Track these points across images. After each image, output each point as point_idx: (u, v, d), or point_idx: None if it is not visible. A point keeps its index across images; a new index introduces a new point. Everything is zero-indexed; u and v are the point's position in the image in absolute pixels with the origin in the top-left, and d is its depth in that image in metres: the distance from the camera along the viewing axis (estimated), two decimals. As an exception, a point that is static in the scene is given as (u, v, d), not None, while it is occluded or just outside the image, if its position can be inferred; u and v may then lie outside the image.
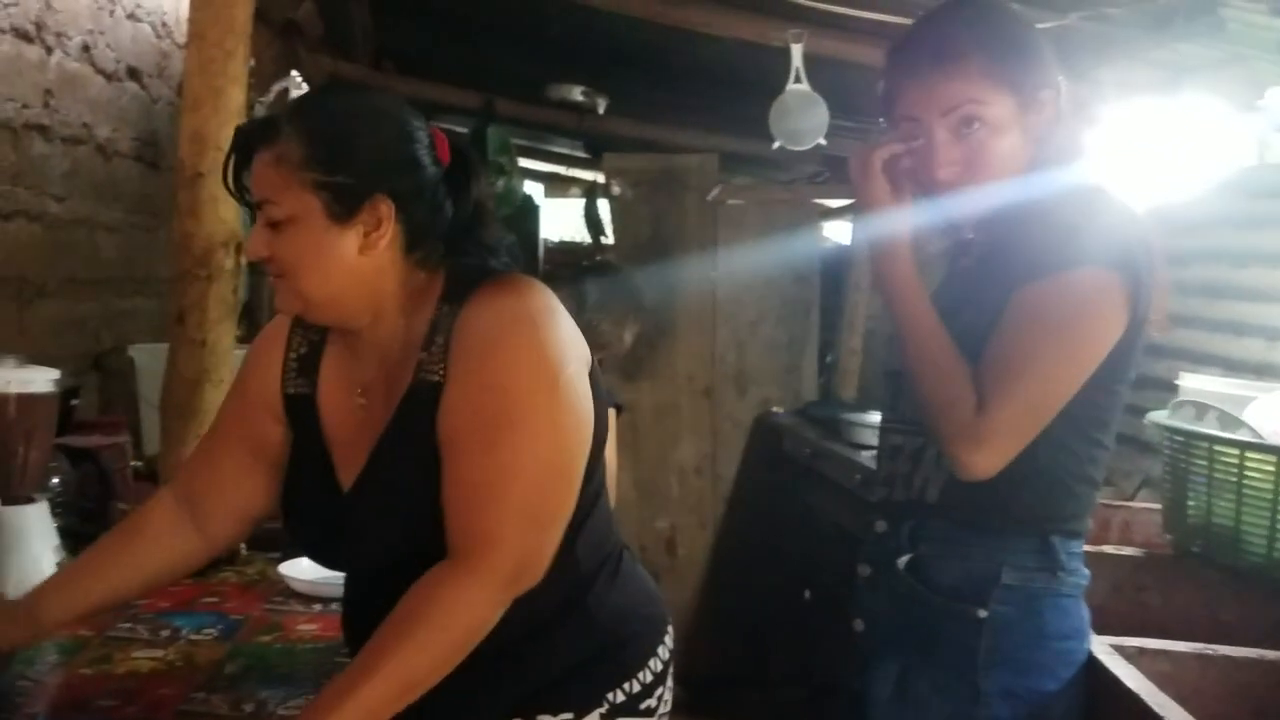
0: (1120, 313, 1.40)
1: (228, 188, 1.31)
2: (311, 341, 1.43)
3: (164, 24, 3.79)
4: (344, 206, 1.26)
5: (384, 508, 1.30)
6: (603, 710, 1.35)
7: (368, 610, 1.27)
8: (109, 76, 3.37)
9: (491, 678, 1.28)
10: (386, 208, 1.27)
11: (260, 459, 1.45)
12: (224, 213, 2.23)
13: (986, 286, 1.46)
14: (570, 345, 1.30)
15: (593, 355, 2.50)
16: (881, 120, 1.56)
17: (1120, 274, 1.39)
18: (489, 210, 1.38)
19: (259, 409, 1.44)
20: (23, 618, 1.41)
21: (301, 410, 1.41)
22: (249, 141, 1.29)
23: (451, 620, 1.19)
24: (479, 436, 1.23)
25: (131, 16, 3.52)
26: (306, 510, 1.39)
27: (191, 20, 2.30)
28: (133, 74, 3.55)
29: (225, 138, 2.22)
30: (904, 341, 1.48)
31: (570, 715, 1.33)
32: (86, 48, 3.20)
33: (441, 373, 1.27)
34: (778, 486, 4.18)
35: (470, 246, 1.34)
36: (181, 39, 3.76)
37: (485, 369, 1.24)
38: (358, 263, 1.28)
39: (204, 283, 2.30)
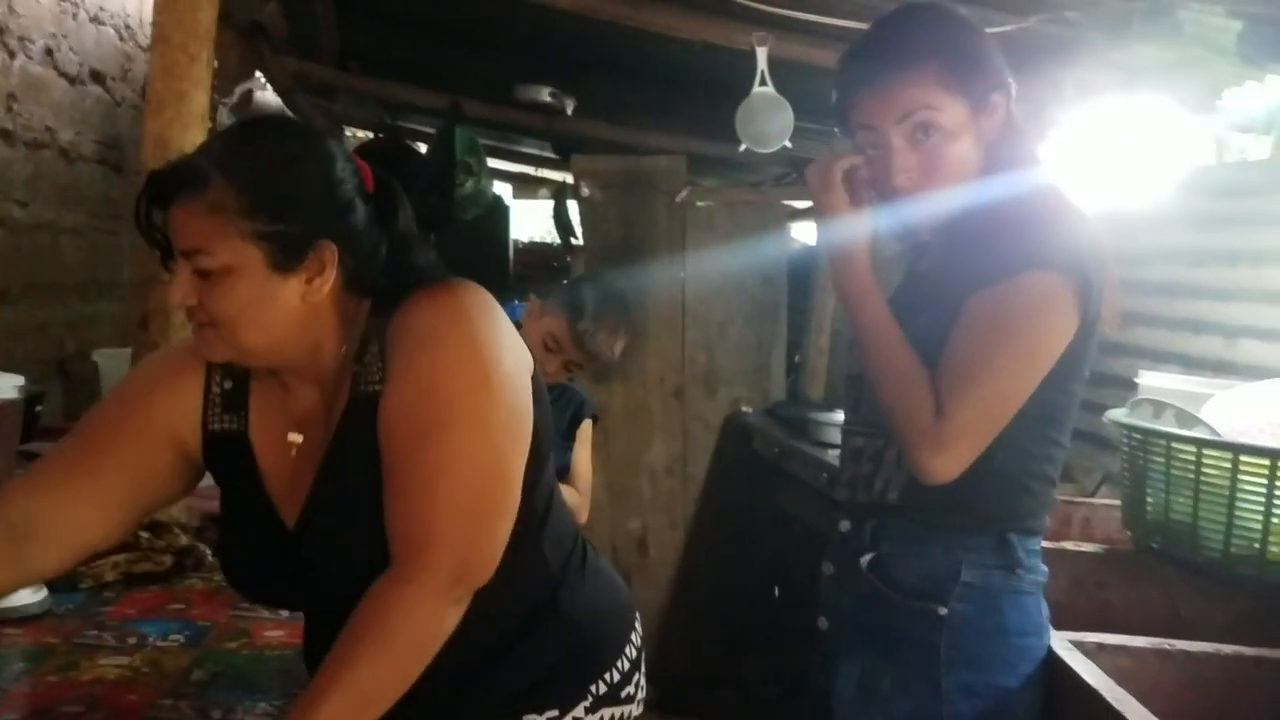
0: (1071, 314, 1.42)
1: (142, 234, 1.24)
2: (235, 374, 1.35)
3: (127, 27, 3.77)
4: (288, 255, 1.20)
5: (334, 535, 1.24)
6: (587, 703, 1.36)
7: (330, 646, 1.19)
8: (72, 80, 3.35)
9: (473, 683, 1.27)
10: (330, 253, 1.22)
11: (126, 487, 1.31)
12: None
13: (943, 290, 1.48)
14: (506, 343, 1.26)
15: (585, 364, 2.55)
16: (837, 129, 1.57)
17: (1069, 276, 1.41)
18: (415, 235, 1.32)
19: (159, 438, 1.32)
20: None
21: (229, 448, 1.33)
22: (168, 188, 1.21)
23: (397, 629, 1.14)
24: (411, 437, 1.19)
25: (95, 20, 3.50)
26: (252, 555, 1.32)
27: (155, 24, 2.30)
28: (96, 77, 3.53)
29: (189, 141, 2.23)
30: (864, 347, 1.50)
31: (555, 713, 1.33)
32: (49, 51, 3.17)
33: (379, 380, 1.23)
34: (748, 486, 4.20)
35: (402, 271, 1.29)
36: (145, 41, 3.75)
37: (419, 368, 1.21)
38: (299, 309, 1.23)
39: (167, 287, 2.29)
